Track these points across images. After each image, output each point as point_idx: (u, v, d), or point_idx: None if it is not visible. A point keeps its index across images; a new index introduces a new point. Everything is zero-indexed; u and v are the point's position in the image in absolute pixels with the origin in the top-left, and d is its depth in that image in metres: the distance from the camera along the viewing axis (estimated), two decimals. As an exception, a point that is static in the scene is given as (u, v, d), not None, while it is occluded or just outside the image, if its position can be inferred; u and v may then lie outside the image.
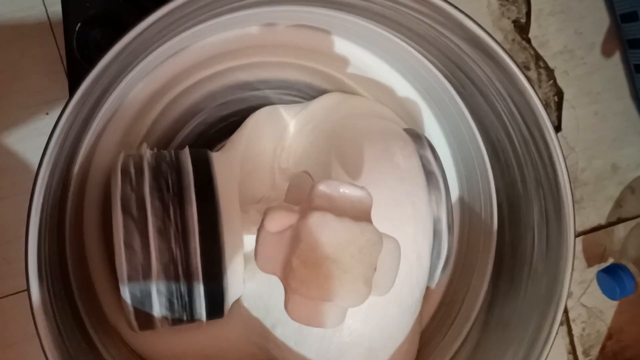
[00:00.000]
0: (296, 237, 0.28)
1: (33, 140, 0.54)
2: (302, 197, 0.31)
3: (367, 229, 0.28)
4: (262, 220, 0.29)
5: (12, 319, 0.53)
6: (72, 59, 0.47)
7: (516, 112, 0.38)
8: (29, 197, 0.54)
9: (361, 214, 0.29)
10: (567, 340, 0.63)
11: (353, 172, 0.37)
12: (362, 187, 0.29)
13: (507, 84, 0.36)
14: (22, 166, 0.54)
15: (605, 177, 0.63)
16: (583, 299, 0.63)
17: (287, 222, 0.28)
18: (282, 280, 0.29)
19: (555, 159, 0.37)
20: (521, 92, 0.36)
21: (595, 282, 0.62)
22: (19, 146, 0.54)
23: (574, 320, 0.63)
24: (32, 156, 0.54)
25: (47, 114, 0.54)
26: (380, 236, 0.28)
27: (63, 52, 0.53)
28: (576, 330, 0.63)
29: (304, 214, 0.28)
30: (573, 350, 0.63)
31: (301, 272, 0.27)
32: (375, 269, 0.28)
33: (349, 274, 0.28)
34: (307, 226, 0.28)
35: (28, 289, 0.32)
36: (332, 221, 0.28)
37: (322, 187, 0.29)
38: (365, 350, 0.38)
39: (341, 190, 0.29)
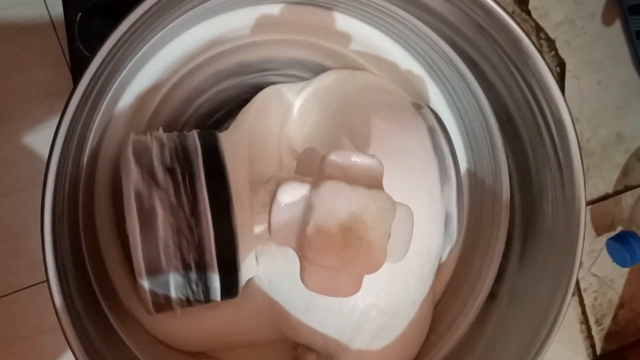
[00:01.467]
0: (309, 207, 0.28)
1: (38, 134, 0.54)
2: (312, 170, 0.31)
3: (379, 196, 0.28)
4: (275, 193, 0.29)
5: (23, 313, 0.54)
6: (74, 50, 0.47)
7: (523, 79, 0.37)
8: (36, 190, 0.54)
9: (373, 182, 0.29)
10: (579, 310, 0.63)
11: (361, 145, 0.37)
12: (372, 156, 0.29)
13: (514, 51, 0.36)
14: (28, 160, 0.54)
15: (611, 146, 0.63)
16: (593, 268, 0.63)
17: (299, 193, 0.29)
18: (296, 251, 0.29)
19: (565, 126, 0.37)
20: (528, 58, 0.36)
21: (604, 251, 0.63)
22: (24, 140, 0.54)
23: (585, 290, 0.63)
24: (38, 149, 0.54)
25: (51, 107, 0.54)
26: (393, 203, 0.28)
27: (65, 44, 0.53)
28: (588, 300, 0.63)
29: (316, 184, 0.28)
30: (585, 320, 0.63)
31: (316, 241, 0.28)
32: (389, 235, 0.28)
33: (363, 242, 0.28)
34: (320, 195, 0.28)
35: (47, 280, 0.32)
36: (344, 189, 0.28)
37: (333, 157, 0.29)
38: (382, 321, 0.38)
39: (352, 159, 0.29)
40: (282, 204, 0.29)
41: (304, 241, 0.28)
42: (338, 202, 0.28)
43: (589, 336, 0.64)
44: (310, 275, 0.29)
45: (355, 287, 0.29)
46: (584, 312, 0.63)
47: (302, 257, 0.29)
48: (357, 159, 0.29)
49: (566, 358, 0.63)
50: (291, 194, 0.29)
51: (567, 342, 0.63)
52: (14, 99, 0.54)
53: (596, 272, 0.63)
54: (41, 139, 0.54)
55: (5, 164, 0.53)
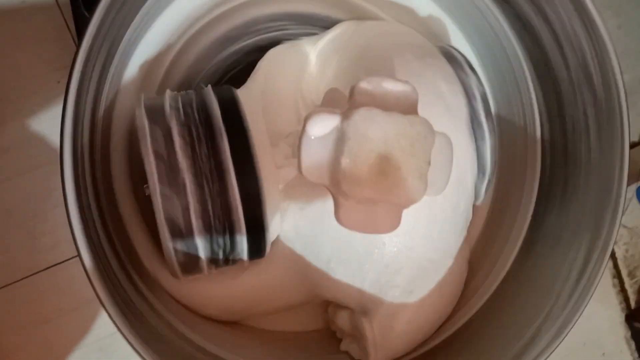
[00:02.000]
0: (342, 137, 0.26)
1: (46, 111, 0.53)
2: (340, 106, 0.29)
3: (416, 121, 0.26)
4: (304, 126, 0.27)
5: (44, 296, 0.52)
6: (79, 15, 0.46)
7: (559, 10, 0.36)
8: (49, 168, 0.53)
9: (408, 109, 0.27)
10: (610, 263, 0.61)
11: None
12: (405, 82, 0.28)
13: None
14: (38, 139, 0.52)
15: (635, 92, 0.61)
16: (623, 219, 0.61)
17: (330, 124, 0.27)
18: (330, 187, 0.27)
19: (606, 56, 0.35)
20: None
21: (634, 201, 0.61)
22: (33, 119, 0.52)
23: (616, 243, 0.61)
24: (47, 127, 0.52)
25: (58, 82, 0.53)
26: (432, 128, 0.27)
27: (68, 15, 0.52)
28: (619, 253, 0.62)
29: (347, 113, 0.27)
30: (618, 274, 0.62)
31: (351, 171, 0.26)
32: (429, 163, 0.27)
33: (402, 170, 0.26)
34: (353, 123, 0.26)
35: (78, 252, 0.31)
36: (378, 115, 0.26)
37: (364, 85, 0.27)
38: (416, 272, 0.36)
39: (384, 85, 0.27)
40: (312, 137, 0.27)
41: (339, 173, 0.26)
42: (373, 128, 0.26)
43: (622, 289, 0.62)
44: (346, 211, 0.27)
45: (395, 222, 0.27)
46: (615, 266, 0.62)
47: (336, 193, 0.27)
48: (389, 86, 0.27)
49: (599, 312, 0.61)
50: (321, 126, 0.27)
51: (600, 296, 0.61)
52: (18, 77, 0.52)
53: (626, 223, 0.62)
54: (50, 116, 0.53)
55: (16, 144, 0.52)
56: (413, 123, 0.26)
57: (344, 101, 0.30)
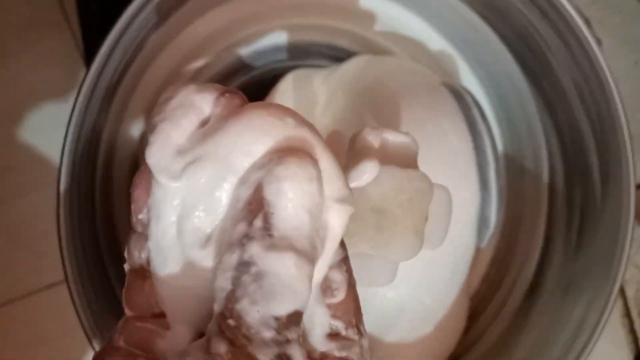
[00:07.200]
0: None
1: (53, 132, 0.52)
2: (339, 153, 0.29)
3: (415, 176, 0.26)
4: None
5: (46, 314, 0.52)
6: (89, 37, 0.45)
7: (565, 49, 0.35)
8: (55, 188, 0.53)
9: (407, 162, 0.27)
10: (620, 303, 0.60)
11: (392, 127, 0.35)
12: (406, 133, 0.27)
13: (554, 19, 0.34)
14: (44, 159, 0.53)
15: (651, 129, 0.60)
16: (636, 258, 0.60)
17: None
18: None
19: (611, 98, 0.35)
20: (568, 25, 0.33)
21: (646, 240, 0.59)
22: (38, 139, 0.53)
23: (626, 282, 0.60)
24: (53, 148, 0.52)
25: (66, 101, 0.53)
26: (431, 183, 0.26)
27: (79, 38, 0.52)
28: (630, 292, 0.60)
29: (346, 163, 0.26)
30: (627, 313, 0.60)
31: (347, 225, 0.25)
32: (426, 218, 0.26)
33: (398, 226, 0.25)
34: (349, 176, 0.26)
35: (65, 276, 0.31)
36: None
37: (365, 135, 0.27)
38: (415, 314, 0.36)
39: (384, 136, 0.27)
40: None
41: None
42: (369, 184, 0.25)
43: (632, 330, 0.60)
44: (341, 263, 0.26)
45: (391, 275, 0.27)
46: (625, 305, 0.60)
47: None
48: (390, 137, 0.27)
49: (607, 353, 0.60)
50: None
51: (608, 337, 0.59)
52: (24, 97, 0.52)
53: (639, 262, 0.60)
54: (56, 137, 0.52)
55: (22, 162, 0.52)
56: (411, 178, 0.26)
57: (345, 145, 0.29)
